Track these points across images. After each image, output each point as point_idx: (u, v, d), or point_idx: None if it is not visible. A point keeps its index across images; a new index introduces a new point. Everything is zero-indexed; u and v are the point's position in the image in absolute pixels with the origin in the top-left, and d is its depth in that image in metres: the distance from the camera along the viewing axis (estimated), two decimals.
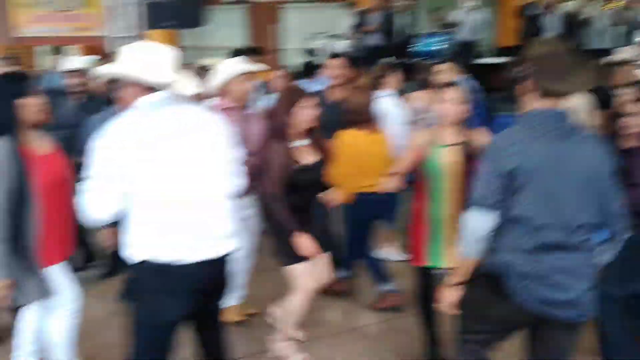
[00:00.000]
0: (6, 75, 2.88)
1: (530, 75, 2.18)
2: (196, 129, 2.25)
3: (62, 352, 3.02)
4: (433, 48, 8.88)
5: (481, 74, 6.84)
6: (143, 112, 2.17)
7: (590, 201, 2.17)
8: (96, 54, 11.36)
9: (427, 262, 3.13)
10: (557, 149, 2.13)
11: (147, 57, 2.18)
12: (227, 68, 3.50)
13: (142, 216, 2.16)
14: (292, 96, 3.12)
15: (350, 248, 4.02)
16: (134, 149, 2.09)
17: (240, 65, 3.55)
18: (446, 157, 3.00)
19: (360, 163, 3.78)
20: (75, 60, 4.70)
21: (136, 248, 2.20)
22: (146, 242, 2.17)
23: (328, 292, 3.93)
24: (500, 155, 2.17)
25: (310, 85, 6.40)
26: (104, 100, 4.34)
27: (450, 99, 2.99)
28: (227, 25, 13.60)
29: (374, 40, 8.93)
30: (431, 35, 9.17)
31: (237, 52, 6.20)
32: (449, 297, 2.41)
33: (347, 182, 3.73)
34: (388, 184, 3.50)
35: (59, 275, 2.81)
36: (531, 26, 8.31)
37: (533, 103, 2.20)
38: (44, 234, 2.63)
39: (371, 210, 3.91)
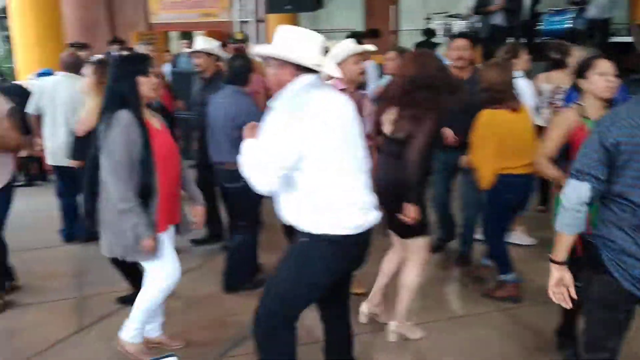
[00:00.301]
0: (129, 56, 3.08)
1: None
2: (345, 108, 2.39)
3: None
4: (561, 26, 8.34)
5: (615, 54, 6.33)
6: (303, 91, 2.29)
7: None
8: (220, 38, 11.90)
9: None
10: None
11: (300, 41, 2.32)
12: (340, 50, 3.55)
13: (310, 190, 2.29)
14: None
15: (486, 232, 3.90)
16: (306, 123, 2.21)
17: (351, 46, 3.58)
18: None
19: (501, 143, 3.57)
20: (199, 42, 4.91)
21: (306, 221, 2.33)
22: (316, 216, 2.31)
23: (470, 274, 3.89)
24: (608, 128, 2.08)
25: None
26: (224, 79, 4.61)
27: (602, 72, 2.78)
28: (345, 8, 13.69)
29: (497, 19, 8.55)
30: (559, 13, 8.60)
31: (354, 35, 6.24)
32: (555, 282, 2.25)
33: (489, 164, 3.60)
34: (539, 166, 3.16)
35: (163, 244, 2.99)
36: None
37: None
38: (158, 201, 2.88)
39: (513, 193, 3.68)
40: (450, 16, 10.14)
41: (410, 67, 3.13)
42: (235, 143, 3.64)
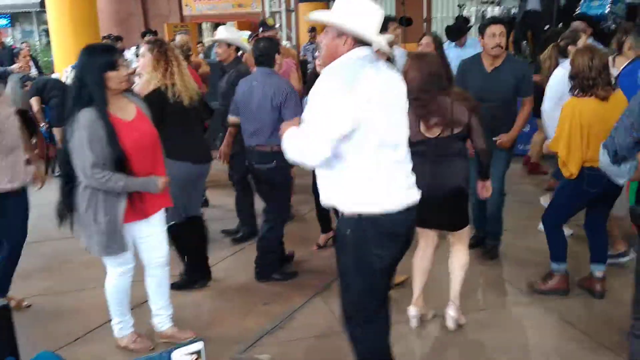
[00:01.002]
0: (93, 50, 2.91)
1: None
2: (397, 85, 2.36)
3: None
4: (600, 11, 8.08)
5: None
6: (358, 64, 2.23)
7: None
8: (251, 29, 11.92)
9: None
10: None
11: (361, 13, 2.24)
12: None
13: (355, 165, 2.24)
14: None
15: (548, 217, 3.78)
16: (359, 95, 2.15)
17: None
18: None
19: (588, 134, 3.39)
20: (220, 31, 4.88)
21: (348, 200, 2.29)
22: (359, 194, 2.26)
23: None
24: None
25: (459, 51, 6.19)
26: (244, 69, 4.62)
27: None
28: None
29: (533, 4, 8.35)
30: None
31: (387, 21, 6.14)
32: None
33: (575, 156, 3.45)
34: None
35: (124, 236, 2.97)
36: None
37: None
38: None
39: (598, 187, 3.46)
40: (484, 2, 9.94)
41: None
42: (275, 123, 3.66)
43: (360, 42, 2.24)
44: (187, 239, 3.92)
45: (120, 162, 2.80)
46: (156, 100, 3.49)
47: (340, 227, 2.35)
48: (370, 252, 2.30)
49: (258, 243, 4.16)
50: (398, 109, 2.33)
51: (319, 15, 2.37)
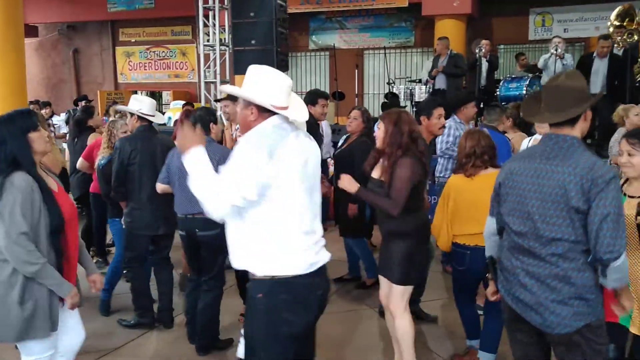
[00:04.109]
0: (12, 114, 2.73)
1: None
2: (310, 152, 2.40)
3: None
4: (517, 92, 8.69)
5: None
6: (271, 132, 2.28)
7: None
8: (187, 99, 12.00)
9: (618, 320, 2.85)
10: (533, 165, 2.35)
11: (269, 83, 2.34)
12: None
13: (264, 228, 2.25)
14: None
15: (455, 295, 3.82)
16: (271, 160, 2.19)
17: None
18: (629, 209, 2.80)
19: (456, 209, 3.56)
20: (130, 103, 4.59)
21: (260, 264, 2.28)
22: (269, 256, 2.26)
23: None
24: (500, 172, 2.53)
25: None
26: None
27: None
28: (312, 72, 14.06)
29: (440, 83, 8.98)
30: (515, 79, 9.00)
31: (316, 96, 6.35)
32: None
33: (441, 229, 3.64)
34: None
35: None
36: (581, 69, 7.99)
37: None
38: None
39: (462, 265, 3.59)
40: (411, 81, 10.51)
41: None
42: None
43: (267, 111, 2.31)
44: None
45: (55, 233, 2.58)
46: None
47: (251, 291, 2.32)
48: (281, 317, 2.26)
49: (199, 316, 3.96)
50: (311, 176, 2.37)
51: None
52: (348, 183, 3.29)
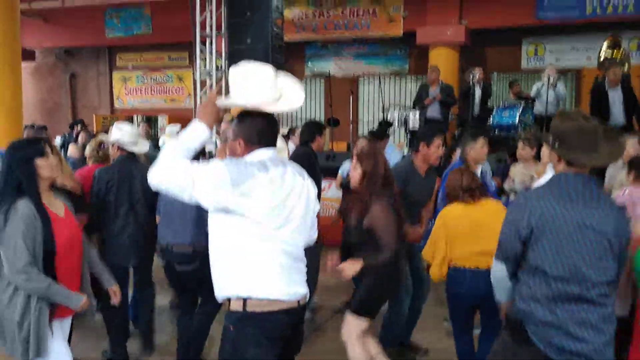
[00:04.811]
0: (21, 141, 2.89)
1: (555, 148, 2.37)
2: (296, 184, 2.42)
3: None
4: (510, 121, 8.78)
5: None
6: (247, 165, 2.29)
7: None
8: (182, 123, 12.02)
9: None
10: (575, 209, 2.28)
11: (250, 82, 2.31)
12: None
13: (238, 262, 2.27)
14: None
15: (452, 326, 3.83)
16: (238, 190, 2.19)
17: None
18: None
19: (455, 234, 3.60)
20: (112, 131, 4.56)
21: (232, 292, 2.29)
22: (241, 291, 2.27)
23: None
24: (521, 211, 2.35)
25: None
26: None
27: None
28: (307, 98, 14.19)
29: (432, 112, 9.06)
30: (508, 107, 9.09)
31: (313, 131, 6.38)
32: None
33: (437, 258, 3.65)
34: None
35: (59, 333, 2.78)
36: (598, 100, 8.01)
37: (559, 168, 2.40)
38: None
39: (461, 288, 3.58)
40: (406, 108, 10.61)
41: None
42: (194, 222, 3.66)
43: (253, 144, 2.34)
44: None
45: (48, 260, 2.64)
46: None
47: (226, 319, 2.36)
48: (247, 351, 2.27)
49: (192, 338, 3.91)
50: (291, 210, 2.36)
51: (222, 102, 2.45)
52: (349, 269, 3.24)
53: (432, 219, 4.22)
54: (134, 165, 4.24)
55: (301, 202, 2.43)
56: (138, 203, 4.13)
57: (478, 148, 4.32)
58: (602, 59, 9.02)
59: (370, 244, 3.25)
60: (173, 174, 2.17)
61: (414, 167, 4.24)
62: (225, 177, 2.19)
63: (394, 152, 6.68)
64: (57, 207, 2.79)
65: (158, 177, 2.20)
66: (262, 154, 2.36)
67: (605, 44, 9.15)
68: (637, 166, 3.96)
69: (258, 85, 2.32)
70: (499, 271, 2.51)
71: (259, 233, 2.27)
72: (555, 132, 2.37)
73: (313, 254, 4.12)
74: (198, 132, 2.26)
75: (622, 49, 9.11)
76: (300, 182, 2.46)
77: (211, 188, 2.18)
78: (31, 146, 2.74)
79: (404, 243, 3.53)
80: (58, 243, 2.67)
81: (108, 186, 4.10)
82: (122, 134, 4.25)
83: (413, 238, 4.16)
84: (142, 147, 4.40)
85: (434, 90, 9.21)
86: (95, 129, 12.86)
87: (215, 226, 2.35)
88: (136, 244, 4.14)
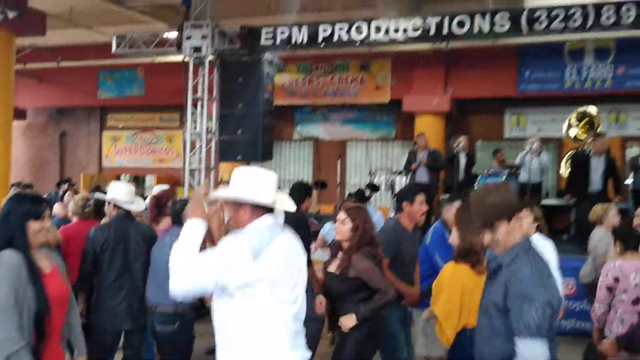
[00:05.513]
0: (23, 197, 2.86)
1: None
2: (296, 250, 2.51)
3: None
4: None
5: (545, 216, 6.78)
6: (263, 232, 2.38)
7: None
8: (171, 184, 12.11)
9: None
10: None
11: (255, 181, 2.46)
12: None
13: (252, 329, 2.30)
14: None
15: None
16: (258, 259, 2.28)
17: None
18: None
19: (470, 300, 3.41)
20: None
21: None
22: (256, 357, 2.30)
23: None
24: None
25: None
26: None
27: None
28: (296, 160, 14.35)
29: (420, 177, 9.21)
30: (492, 175, 9.26)
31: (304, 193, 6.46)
32: None
33: (451, 322, 3.47)
34: None
35: None
36: (580, 168, 8.30)
37: None
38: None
39: None
40: (393, 172, 10.77)
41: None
42: None
43: (259, 210, 2.43)
44: None
45: (39, 318, 2.55)
46: None
47: None
48: None
49: None
50: (295, 278, 2.44)
51: (219, 194, 2.63)
52: (348, 322, 3.31)
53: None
54: (130, 224, 4.21)
55: (304, 263, 2.52)
56: (133, 263, 4.05)
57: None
58: (570, 130, 9.49)
59: (360, 292, 3.34)
60: (193, 280, 2.25)
61: (402, 227, 4.26)
62: (246, 252, 2.29)
63: (375, 213, 6.75)
64: (44, 264, 2.74)
65: (181, 288, 2.27)
66: (268, 219, 2.45)
67: (574, 116, 9.61)
68: (622, 237, 4.03)
69: (264, 185, 2.47)
70: (541, 351, 2.28)
71: (276, 297, 2.32)
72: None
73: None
74: (197, 228, 2.36)
75: (590, 120, 9.57)
76: (299, 247, 2.55)
77: (232, 270, 2.27)
78: (32, 204, 2.71)
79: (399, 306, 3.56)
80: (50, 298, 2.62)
81: (103, 247, 4.02)
82: (118, 192, 4.27)
83: (410, 301, 4.13)
84: (138, 205, 4.41)
85: (421, 156, 9.40)
86: (82, 188, 12.84)
87: (225, 307, 2.37)
88: (131, 305, 4.01)
